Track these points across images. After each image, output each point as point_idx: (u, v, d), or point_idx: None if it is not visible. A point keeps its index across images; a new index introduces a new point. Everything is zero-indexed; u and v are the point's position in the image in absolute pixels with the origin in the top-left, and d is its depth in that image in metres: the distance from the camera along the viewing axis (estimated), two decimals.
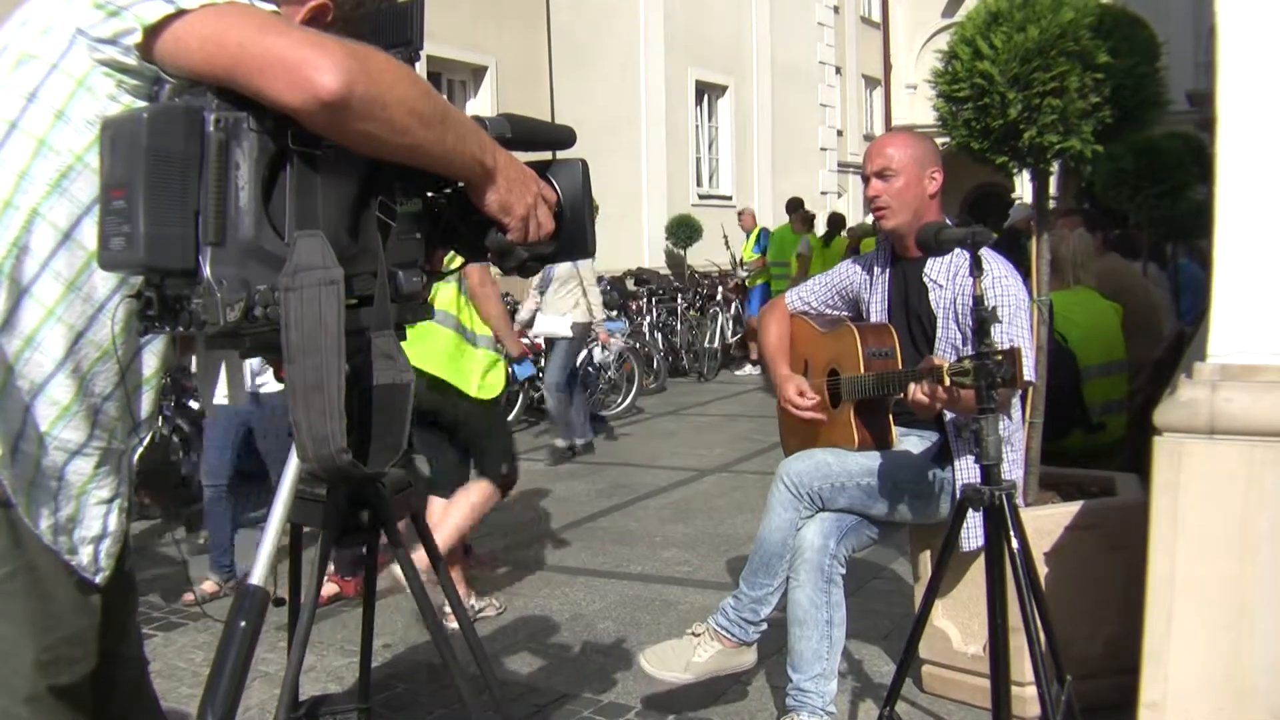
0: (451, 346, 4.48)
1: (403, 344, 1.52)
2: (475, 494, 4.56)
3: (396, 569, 4.26)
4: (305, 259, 1.35)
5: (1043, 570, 3.11)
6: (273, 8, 1.48)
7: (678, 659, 3.28)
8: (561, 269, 8.11)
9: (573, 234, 1.67)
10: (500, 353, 4.93)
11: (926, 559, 3.55)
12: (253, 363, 4.05)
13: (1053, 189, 3.93)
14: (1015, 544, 2.51)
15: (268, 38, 1.34)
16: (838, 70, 23.52)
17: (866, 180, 3.36)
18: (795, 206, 13.85)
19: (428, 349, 4.31)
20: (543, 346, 9.17)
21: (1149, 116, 3.44)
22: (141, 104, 1.44)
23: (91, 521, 1.57)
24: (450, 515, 4.45)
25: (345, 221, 1.48)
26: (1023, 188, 16.04)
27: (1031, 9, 3.28)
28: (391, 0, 1.70)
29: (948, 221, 3.09)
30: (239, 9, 1.40)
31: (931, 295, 3.27)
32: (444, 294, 4.46)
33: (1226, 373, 2.60)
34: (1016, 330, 3.09)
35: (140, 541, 5.62)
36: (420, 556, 1.96)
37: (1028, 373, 2.75)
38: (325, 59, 1.32)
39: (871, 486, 3.17)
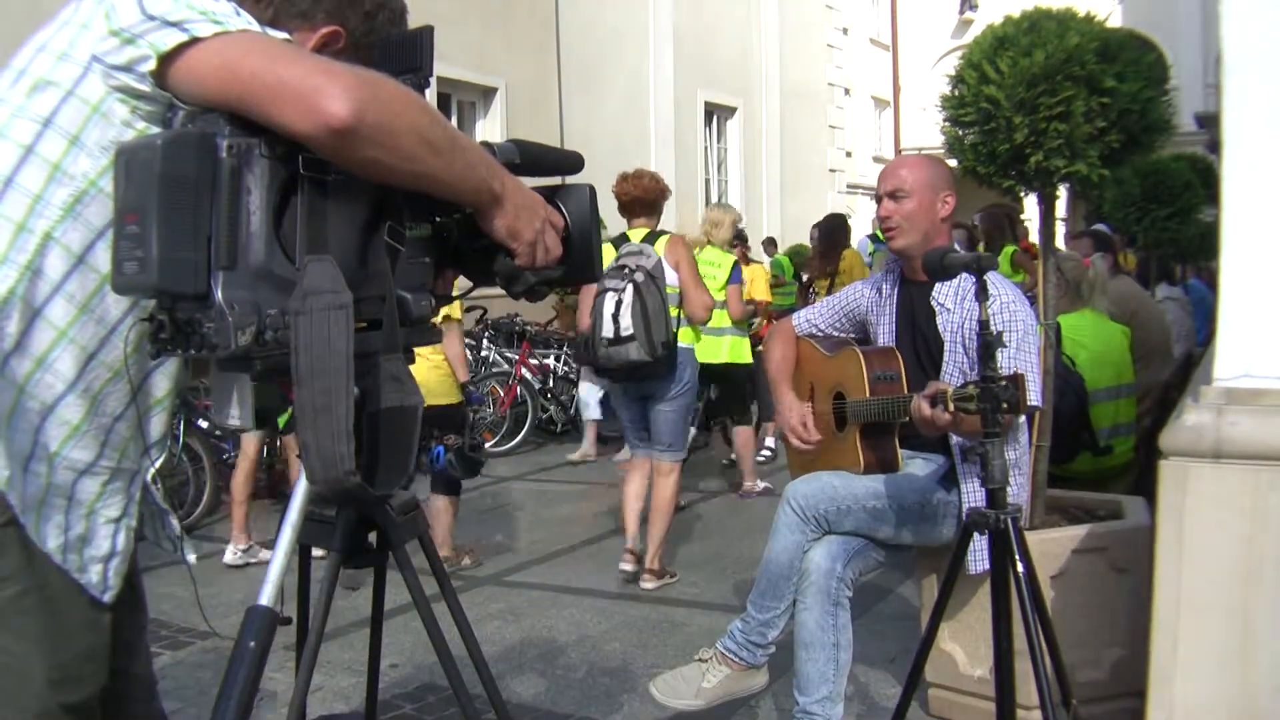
0: None
1: None
2: None
3: None
4: (315, 283, 1.37)
5: (1048, 593, 3.11)
6: (285, 35, 1.50)
7: (687, 686, 3.28)
8: None
9: (580, 258, 1.69)
10: None
11: (933, 582, 3.55)
12: None
13: (1061, 212, 3.93)
14: (1021, 567, 2.51)
15: (280, 66, 1.36)
16: (847, 92, 23.55)
17: (879, 200, 3.38)
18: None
19: None
20: None
21: (1155, 141, 3.46)
22: (156, 130, 1.46)
23: (101, 540, 1.59)
24: None
25: (355, 246, 1.50)
26: (1030, 210, 16.03)
27: (1038, 34, 3.30)
28: (402, 27, 1.73)
29: (956, 246, 3.10)
30: (252, 37, 1.42)
31: (939, 319, 3.28)
32: None
33: (1232, 396, 2.60)
34: (1024, 356, 3.09)
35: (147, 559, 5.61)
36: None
37: (1033, 398, 2.75)
38: (336, 87, 1.34)
39: (877, 509, 3.17)
